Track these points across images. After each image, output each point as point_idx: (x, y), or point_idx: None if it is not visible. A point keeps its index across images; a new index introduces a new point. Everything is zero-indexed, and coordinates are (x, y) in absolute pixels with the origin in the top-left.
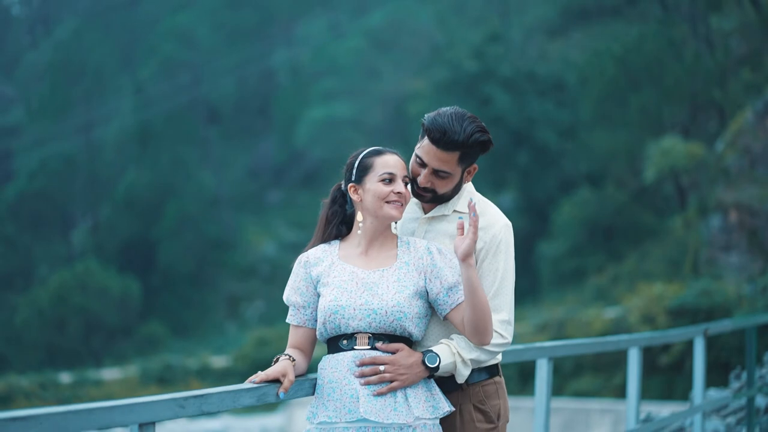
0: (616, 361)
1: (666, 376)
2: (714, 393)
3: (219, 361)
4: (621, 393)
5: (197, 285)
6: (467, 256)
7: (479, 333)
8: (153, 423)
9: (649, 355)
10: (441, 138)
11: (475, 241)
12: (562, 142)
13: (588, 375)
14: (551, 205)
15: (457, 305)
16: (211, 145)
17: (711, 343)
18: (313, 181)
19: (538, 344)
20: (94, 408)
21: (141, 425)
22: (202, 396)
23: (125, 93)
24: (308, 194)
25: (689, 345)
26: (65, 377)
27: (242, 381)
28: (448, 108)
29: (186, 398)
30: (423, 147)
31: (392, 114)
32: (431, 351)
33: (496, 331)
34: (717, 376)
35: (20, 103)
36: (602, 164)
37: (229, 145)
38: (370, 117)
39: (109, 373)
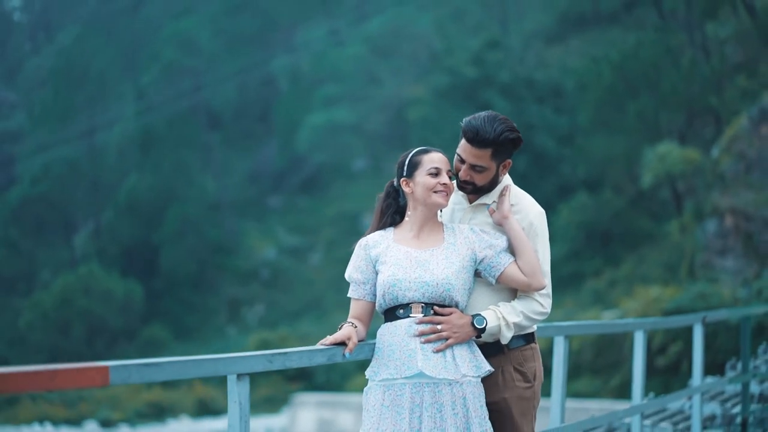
0: (614, 363)
1: (663, 378)
2: (711, 380)
3: None
4: (619, 394)
5: (199, 289)
6: (507, 215)
7: (532, 275)
8: (248, 374)
9: (647, 356)
10: (474, 137)
11: (506, 205)
12: (561, 147)
13: (586, 376)
14: (549, 210)
15: (508, 264)
16: (212, 151)
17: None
18: (313, 187)
19: (556, 323)
20: (204, 359)
21: (239, 375)
22: (285, 354)
23: (127, 98)
24: (308, 199)
25: (686, 347)
26: None
27: None
28: (483, 112)
29: (273, 355)
30: (461, 146)
31: (392, 119)
32: (479, 314)
33: (537, 301)
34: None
35: (23, 108)
36: (600, 170)
37: (230, 151)
38: (371, 123)
39: None
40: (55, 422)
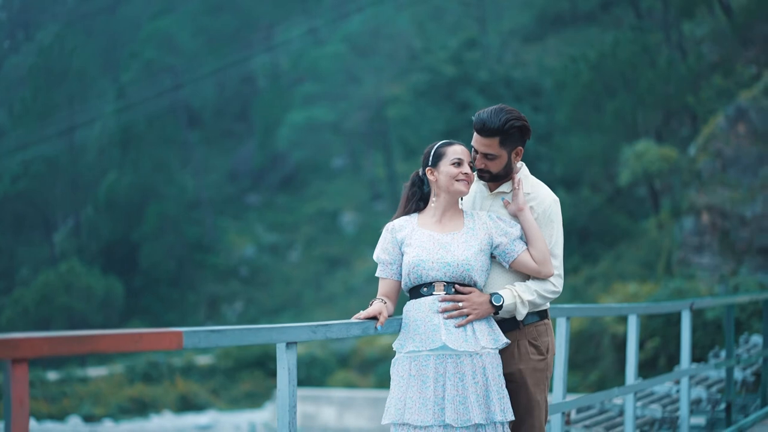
0: (591, 359)
1: (641, 372)
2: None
3: (203, 360)
4: (598, 389)
5: (178, 286)
6: (523, 207)
7: (542, 264)
8: (295, 342)
9: (625, 353)
10: (482, 128)
11: (521, 197)
12: (538, 146)
13: None
14: None
15: (521, 252)
16: (191, 149)
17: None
18: (292, 184)
19: (558, 305)
20: (259, 328)
21: (287, 343)
22: (326, 325)
23: (107, 97)
24: (287, 197)
25: (663, 342)
26: (52, 375)
27: (227, 378)
28: (493, 106)
29: (317, 326)
30: (473, 138)
31: (371, 118)
32: (497, 293)
33: (549, 281)
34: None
35: (2, 106)
36: (578, 168)
37: (209, 149)
38: (350, 121)
39: (95, 371)
40: (39, 418)
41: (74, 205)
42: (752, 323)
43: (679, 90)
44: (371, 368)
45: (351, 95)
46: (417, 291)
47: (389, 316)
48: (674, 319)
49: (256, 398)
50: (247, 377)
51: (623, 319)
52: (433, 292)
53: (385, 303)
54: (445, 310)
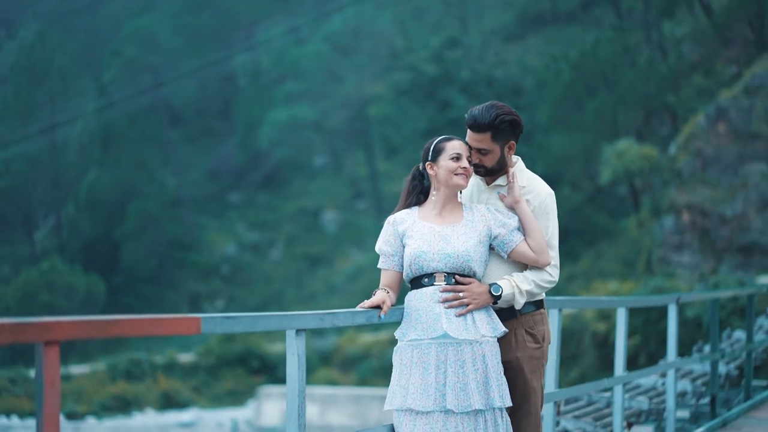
0: (572, 357)
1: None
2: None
3: (185, 357)
4: None
5: (159, 284)
6: (519, 199)
7: (539, 253)
8: (304, 330)
9: (605, 351)
10: (473, 124)
11: (516, 190)
12: (519, 144)
13: None
14: None
15: (519, 242)
16: (172, 147)
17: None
18: (274, 183)
19: (550, 297)
20: (270, 315)
21: (297, 330)
22: (333, 314)
23: (88, 95)
24: (268, 195)
25: (643, 341)
26: (33, 372)
27: (209, 376)
28: (484, 103)
29: (324, 314)
30: (467, 135)
31: (353, 117)
32: (496, 283)
33: (546, 271)
34: None
35: None
36: (559, 167)
37: (190, 147)
38: (331, 120)
39: (77, 369)
40: (21, 415)
41: (55, 204)
42: (732, 321)
43: (659, 89)
44: (353, 366)
45: (332, 94)
46: (418, 281)
47: (392, 305)
48: (653, 318)
49: (239, 396)
50: (229, 375)
51: (604, 317)
52: (434, 283)
53: (388, 293)
54: (446, 300)
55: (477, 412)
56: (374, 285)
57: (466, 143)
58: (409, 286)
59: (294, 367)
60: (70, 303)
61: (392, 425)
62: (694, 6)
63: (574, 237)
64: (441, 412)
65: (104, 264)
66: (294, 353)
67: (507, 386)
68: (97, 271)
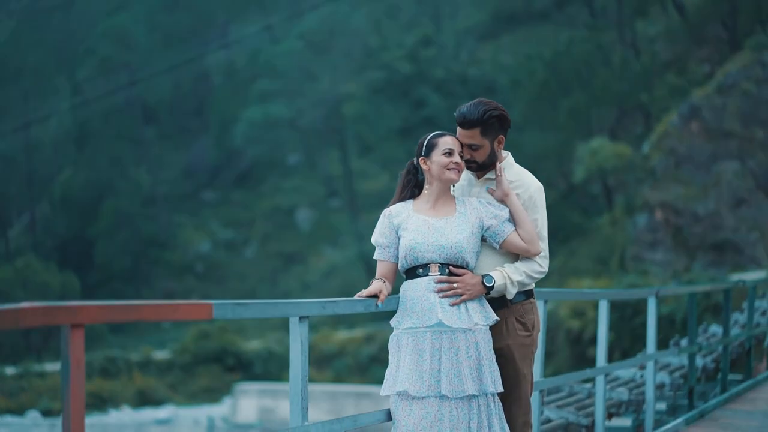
0: (547, 353)
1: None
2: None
3: (161, 355)
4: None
5: (133, 282)
6: (508, 192)
7: (530, 243)
8: (307, 317)
9: (579, 347)
10: (463, 120)
11: (505, 183)
12: None
13: None
14: None
15: (510, 233)
16: (147, 145)
17: (639, 334)
18: (248, 181)
19: (536, 289)
20: (275, 302)
21: (300, 317)
22: (334, 302)
23: (62, 93)
24: (243, 193)
25: (617, 339)
26: (10, 370)
27: (184, 373)
28: (473, 101)
29: (326, 302)
30: (457, 132)
31: (327, 115)
32: (488, 274)
33: (536, 262)
34: None
35: None
36: (532, 165)
37: (164, 145)
38: (306, 118)
39: (52, 367)
40: (20, 413)
41: (30, 201)
42: (705, 317)
43: (633, 88)
44: (328, 363)
45: (307, 92)
46: (413, 272)
47: (388, 294)
48: (628, 315)
49: (214, 393)
50: (204, 372)
51: (578, 314)
52: (429, 273)
53: (384, 283)
54: (440, 291)
55: (470, 397)
56: (349, 282)
57: (459, 140)
58: (404, 276)
59: (297, 353)
60: (44, 301)
61: (389, 410)
62: (667, 5)
63: (548, 235)
64: (436, 397)
65: (79, 262)
66: (297, 339)
67: (499, 372)
68: (72, 268)
